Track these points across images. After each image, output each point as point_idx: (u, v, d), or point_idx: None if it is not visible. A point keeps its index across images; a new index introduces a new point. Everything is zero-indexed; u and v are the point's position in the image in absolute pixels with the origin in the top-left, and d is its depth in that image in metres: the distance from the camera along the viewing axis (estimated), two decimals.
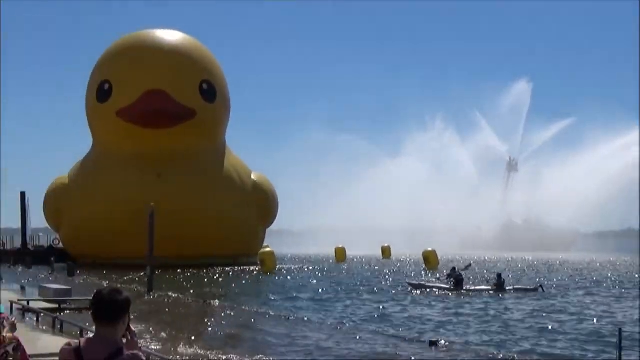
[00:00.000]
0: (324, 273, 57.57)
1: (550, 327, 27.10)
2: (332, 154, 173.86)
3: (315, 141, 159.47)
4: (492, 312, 31.85)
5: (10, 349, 6.00)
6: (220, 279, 48.80)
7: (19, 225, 76.07)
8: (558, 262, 79.01)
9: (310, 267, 63.90)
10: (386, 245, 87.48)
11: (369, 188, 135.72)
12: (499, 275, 43.21)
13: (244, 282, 47.78)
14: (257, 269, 57.43)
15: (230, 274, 53.69)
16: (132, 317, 5.30)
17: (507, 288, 41.83)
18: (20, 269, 58.83)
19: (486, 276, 51.08)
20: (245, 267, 58.76)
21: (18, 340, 6.13)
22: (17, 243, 75.82)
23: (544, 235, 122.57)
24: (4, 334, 6.14)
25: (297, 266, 64.59)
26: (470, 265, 57.35)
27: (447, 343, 22.19)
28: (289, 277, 52.21)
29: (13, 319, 6.37)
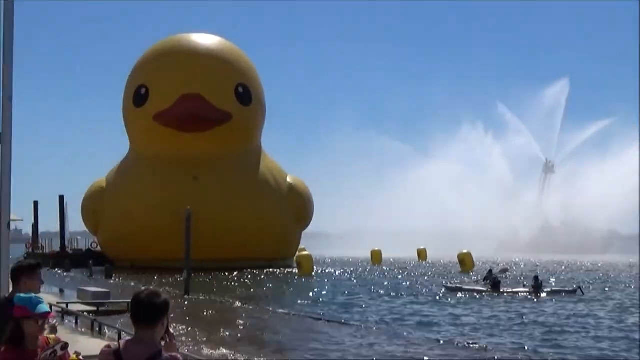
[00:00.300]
0: (361, 275, 57.53)
1: (588, 329, 26.91)
2: (366, 156, 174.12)
3: (349, 144, 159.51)
4: (529, 315, 31.67)
5: (58, 348, 6.09)
6: (256, 282, 48.91)
7: (57, 229, 76.78)
8: (596, 264, 78.33)
9: (347, 270, 63.88)
10: (422, 247, 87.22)
11: (404, 190, 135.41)
12: (536, 278, 42.86)
13: (280, 284, 47.84)
14: (294, 271, 57.53)
15: (267, 276, 53.81)
16: (170, 319, 5.36)
17: (545, 290, 41.55)
18: (59, 272, 59.36)
19: (523, 278, 50.76)
20: (282, 270, 58.88)
21: (65, 342, 6.22)
22: (56, 246, 76.49)
23: (582, 237, 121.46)
24: (46, 335, 6.22)
25: (333, 269, 64.59)
26: (507, 270, 56.78)
27: (482, 345, 22.11)
28: (326, 280, 52.24)
29: (54, 322, 6.45)
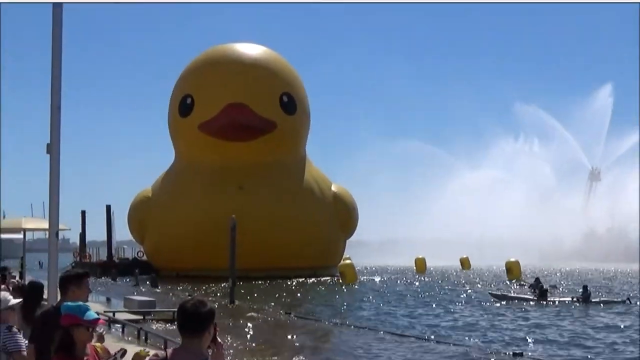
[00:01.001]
0: (405, 284, 57.33)
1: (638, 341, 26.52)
2: (402, 163, 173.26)
3: (381, 151, 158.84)
4: (577, 324, 31.31)
5: (119, 355, 6.14)
6: (301, 290, 48.92)
7: (104, 238, 77.53)
8: None
9: (391, 278, 63.67)
10: (464, 256, 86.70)
11: (446, 198, 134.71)
12: (585, 287, 42.27)
13: (324, 293, 47.82)
14: (337, 280, 57.48)
15: (311, 285, 53.81)
16: (218, 328, 5.36)
17: (593, 300, 41.00)
18: (106, 281, 59.87)
19: (570, 287, 50.20)
20: (326, 279, 58.86)
21: (124, 349, 6.27)
22: (103, 256, 77.23)
23: (628, 245, 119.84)
24: (93, 344, 6.26)
25: (378, 277, 64.42)
26: (556, 287, 55.35)
27: (531, 355, 21.86)
28: (370, 288, 52.09)
29: (102, 330, 6.49)
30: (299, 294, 46.04)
